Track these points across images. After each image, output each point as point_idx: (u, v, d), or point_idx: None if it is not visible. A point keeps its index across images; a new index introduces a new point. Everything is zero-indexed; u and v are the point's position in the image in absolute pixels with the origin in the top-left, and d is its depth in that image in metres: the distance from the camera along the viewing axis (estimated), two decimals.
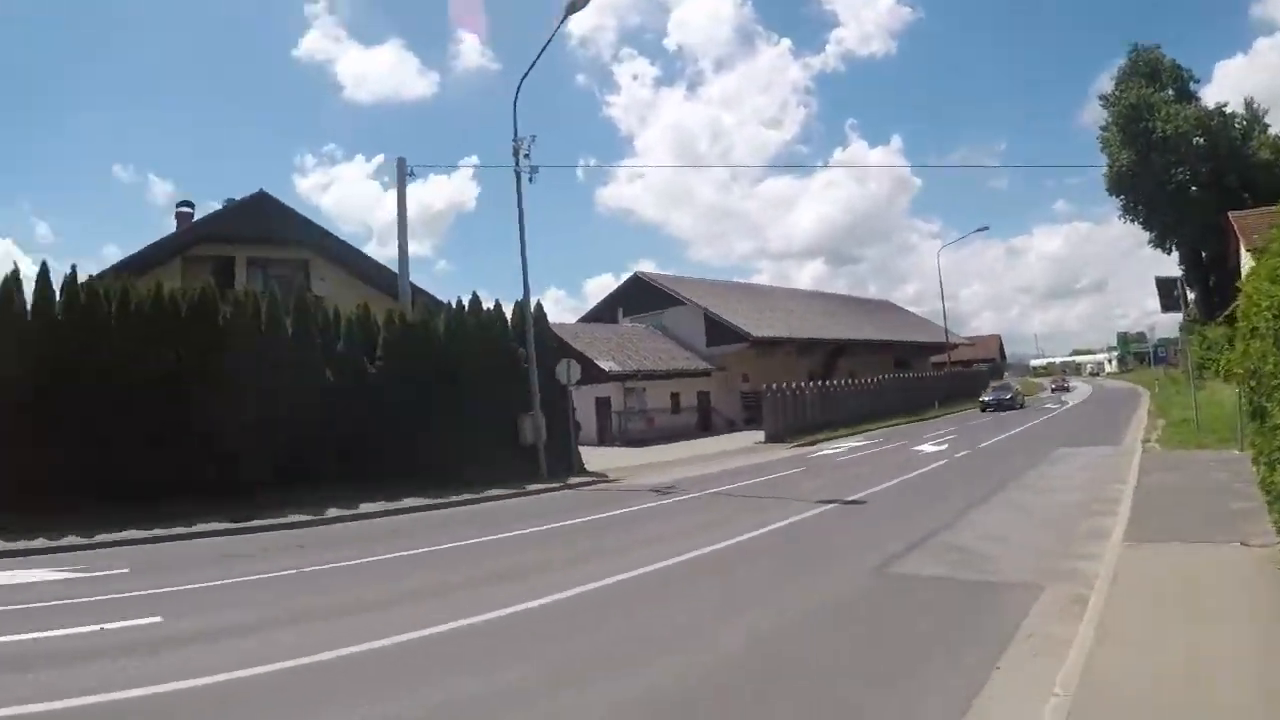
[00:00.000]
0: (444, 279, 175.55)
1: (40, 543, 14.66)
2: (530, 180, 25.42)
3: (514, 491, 21.06)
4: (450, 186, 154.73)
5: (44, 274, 19.00)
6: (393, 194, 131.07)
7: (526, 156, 25.36)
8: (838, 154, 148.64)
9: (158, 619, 9.08)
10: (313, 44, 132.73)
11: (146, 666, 7.26)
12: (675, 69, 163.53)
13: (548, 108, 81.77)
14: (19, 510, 15.83)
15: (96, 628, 8.70)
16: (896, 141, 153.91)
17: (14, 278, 18.65)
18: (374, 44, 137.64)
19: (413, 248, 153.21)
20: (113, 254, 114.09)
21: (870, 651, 6.82)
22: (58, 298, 18.91)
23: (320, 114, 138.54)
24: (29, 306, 18.60)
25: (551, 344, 26.89)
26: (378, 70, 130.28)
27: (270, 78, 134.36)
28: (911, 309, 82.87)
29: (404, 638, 7.84)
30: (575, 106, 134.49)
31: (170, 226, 33.80)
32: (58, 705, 6.32)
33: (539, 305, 25.97)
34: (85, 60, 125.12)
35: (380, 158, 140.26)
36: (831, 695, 5.88)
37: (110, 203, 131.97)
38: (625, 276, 55.87)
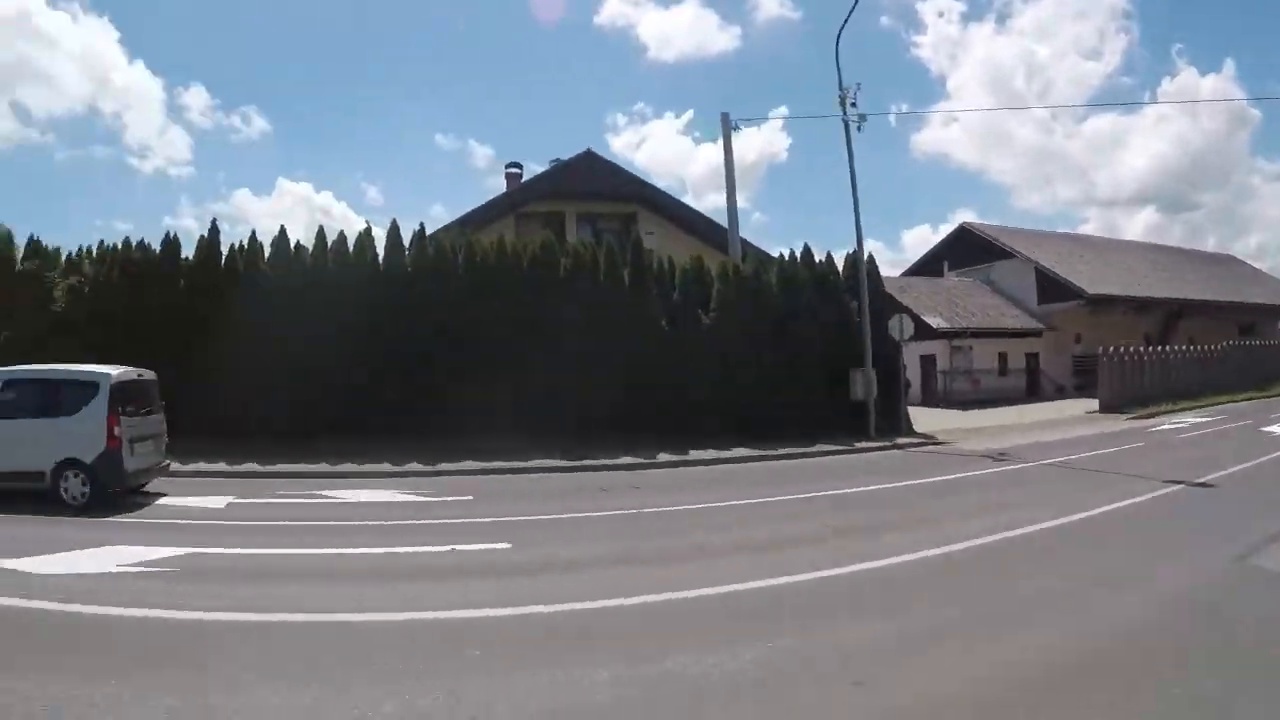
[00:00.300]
0: (759, 230, 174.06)
1: (385, 467, 15.69)
2: (859, 129, 23.98)
3: (842, 448, 20.08)
4: (761, 139, 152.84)
5: (394, 230, 20.36)
6: (705, 148, 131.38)
7: (854, 105, 23.93)
8: (1165, 85, 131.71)
9: (507, 545, 9.14)
10: (613, 10, 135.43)
11: (499, 589, 7.27)
12: (982, 1, 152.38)
13: (853, 52, 78.50)
14: (351, 437, 17.34)
15: (449, 548, 8.89)
16: (1229, 68, 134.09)
17: (366, 234, 20.19)
18: (672, 4, 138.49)
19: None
20: (439, 213, 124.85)
21: (1233, 650, 5.87)
22: (407, 251, 20.10)
23: (627, 75, 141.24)
24: (380, 259, 19.95)
25: (883, 298, 25.48)
26: (678, 29, 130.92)
27: (576, 45, 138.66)
28: (1255, 264, 72.00)
29: (749, 585, 7.41)
30: (881, 49, 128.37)
31: (491, 186, 35.70)
32: (419, 616, 6.43)
33: (870, 257, 24.47)
34: (406, 39, 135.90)
35: (689, 113, 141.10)
36: (1193, 692, 5.07)
37: (434, 167, 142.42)
38: (943, 227, 52.93)
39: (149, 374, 13.63)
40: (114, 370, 12.61)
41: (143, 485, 13.08)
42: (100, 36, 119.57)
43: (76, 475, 11.86)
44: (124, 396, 12.37)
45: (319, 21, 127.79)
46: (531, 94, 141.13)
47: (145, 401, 13.11)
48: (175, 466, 14.54)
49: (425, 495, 13.03)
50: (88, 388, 12.22)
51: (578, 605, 6.71)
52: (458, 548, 8.87)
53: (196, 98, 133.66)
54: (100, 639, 5.95)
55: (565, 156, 32.07)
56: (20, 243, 20.76)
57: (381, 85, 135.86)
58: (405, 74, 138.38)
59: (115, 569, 7.93)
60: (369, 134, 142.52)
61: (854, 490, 13.68)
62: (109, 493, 11.92)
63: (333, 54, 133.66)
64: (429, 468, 15.67)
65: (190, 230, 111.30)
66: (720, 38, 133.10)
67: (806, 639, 5.95)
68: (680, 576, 7.65)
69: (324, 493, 13.17)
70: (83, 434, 11.89)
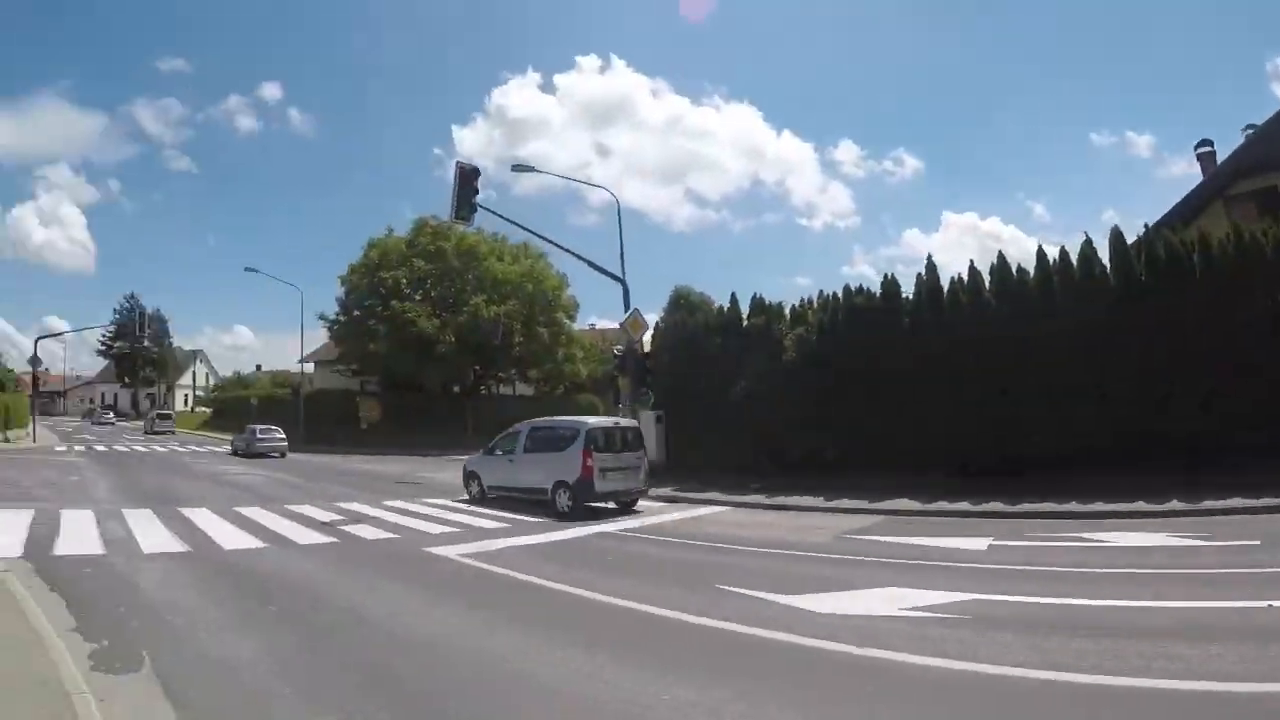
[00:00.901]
0: None
1: (1140, 505, 14.87)
2: None
3: None
4: None
5: (1117, 237, 19.72)
6: None
7: None
8: None
9: None
10: None
11: None
12: None
13: None
14: (1097, 468, 17.01)
15: (1265, 604, 8.15)
16: None
17: (1088, 244, 19.92)
18: None
19: None
20: (1112, 219, 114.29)
21: None
22: (1134, 257, 19.22)
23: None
24: (1108, 269, 19.44)
25: None
26: None
27: None
28: None
29: None
30: None
31: (1160, 176, 32.43)
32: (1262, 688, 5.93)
33: None
34: (1032, 34, 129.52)
35: None
36: None
37: (1095, 170, 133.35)
38: None
39: (627, 421, 20.36)
40: (591, 420, 19.54)
41: (629, 503, 18.76)
42: (746, 119, 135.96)
43: (564, 492, 17.61)
44: (597, 439, 17.90)
45: (942, 51, 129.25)
46: (1176, 60, 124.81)
47: (618, 442, 18.58)
48: (915, 506, 17.10)
49: (1200, 538, 12.23)
50: (574, 432, 18.28)
51: None
52: (1275, 604, 8.07)
53: (847, 152, 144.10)
54: (896, 686, 6.29)
55: (1243, 118, 27.63)
56: (745, 304, 25.22)
57: (1018, 95, 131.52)
58: (1036, 76, 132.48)
59: (898, 612, 8.42)
60: (1019, 149, 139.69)
61: None
62: (584, 505, 17.41)
63: (960, 78, 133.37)
64: (1191, 506, 14.55)
65: (866, 277, 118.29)
66: None
67: None
68: None
69: (1084, 535, 13.07)
70: (569, 465, 17.64)
